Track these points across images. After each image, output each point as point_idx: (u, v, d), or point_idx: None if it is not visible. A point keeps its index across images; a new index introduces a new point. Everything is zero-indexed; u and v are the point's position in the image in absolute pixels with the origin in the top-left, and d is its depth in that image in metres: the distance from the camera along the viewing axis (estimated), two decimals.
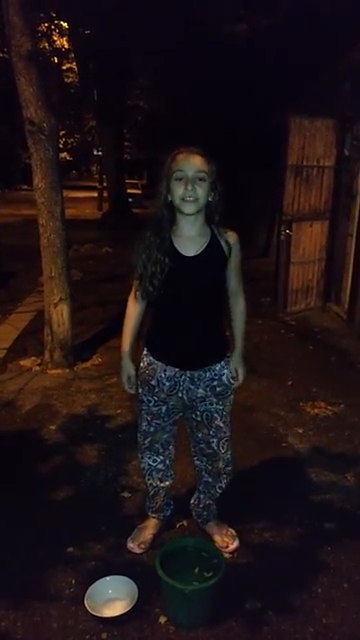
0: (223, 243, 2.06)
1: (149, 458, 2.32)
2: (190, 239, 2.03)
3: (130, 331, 2.21)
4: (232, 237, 2.08)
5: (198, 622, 2.00)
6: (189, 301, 2.05)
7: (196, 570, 2.13)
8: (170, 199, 1.99)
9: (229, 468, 2.32)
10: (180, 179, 1.93)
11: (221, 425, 2.20)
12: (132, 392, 2.26)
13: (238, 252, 2.10)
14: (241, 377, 2.26)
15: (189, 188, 1.92)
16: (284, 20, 7.28)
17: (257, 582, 2.20)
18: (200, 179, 1.93)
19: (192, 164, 1.93)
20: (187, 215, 1.99)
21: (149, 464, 2.33)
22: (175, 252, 2.01)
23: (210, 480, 2.34)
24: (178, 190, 1.93)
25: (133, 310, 2.20)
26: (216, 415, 2.18)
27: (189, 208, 1.96)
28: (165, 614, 2.02)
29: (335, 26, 6.22)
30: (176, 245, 2.02)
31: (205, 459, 2.30)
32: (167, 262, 1.98)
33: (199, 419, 2.19)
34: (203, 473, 2.34)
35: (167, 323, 2.12)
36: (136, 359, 2.22)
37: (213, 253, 2.04)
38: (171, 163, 1.95)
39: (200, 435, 2.23)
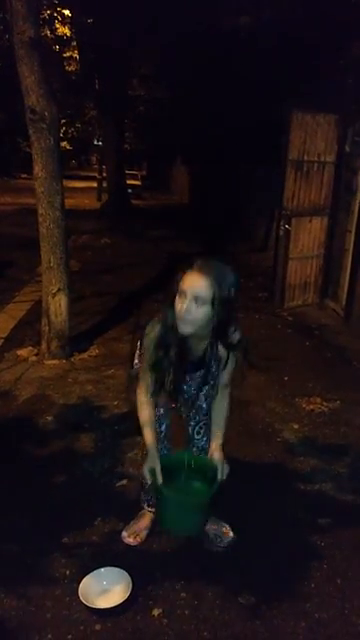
0: (221, 347, 2.09)
1: (164, 447, 2.33)
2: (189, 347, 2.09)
3: (151, 429, 2.15)
4: (235, 338, 2.09)
5: (191, 529, 2.15)
6: None
7: (190, 480, 2.19)
8: None
9: None
10: (181, 297, 1.93)
11: (203, 406, 2.27)
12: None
13: (236, 354, 2.13)
14: (223, 473, 2.14)
15: (185, 307, 1.91)
16: (286, 14, 7.22)
17: (251, 576, 2.22)
18: (200, 301, 1.91)
19: (194, 285, 1.90)
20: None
21: (164, 453, 2.34)
22: None
23: None
24: (178, 304, 1.94)
25: (148, 414, 2.15)
26: (201, 395, 2.26)
27: (183, 327, 1.96)
28: (158, 607, 2.03)
29: (338, 21, 6.18)
30: None
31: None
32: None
33: (186, 396, 2.27)
34: None
35: None
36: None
37: (210, 362, 2.12)
38: (179, 280, 1.94)
39: (183, 416, 2.34)
